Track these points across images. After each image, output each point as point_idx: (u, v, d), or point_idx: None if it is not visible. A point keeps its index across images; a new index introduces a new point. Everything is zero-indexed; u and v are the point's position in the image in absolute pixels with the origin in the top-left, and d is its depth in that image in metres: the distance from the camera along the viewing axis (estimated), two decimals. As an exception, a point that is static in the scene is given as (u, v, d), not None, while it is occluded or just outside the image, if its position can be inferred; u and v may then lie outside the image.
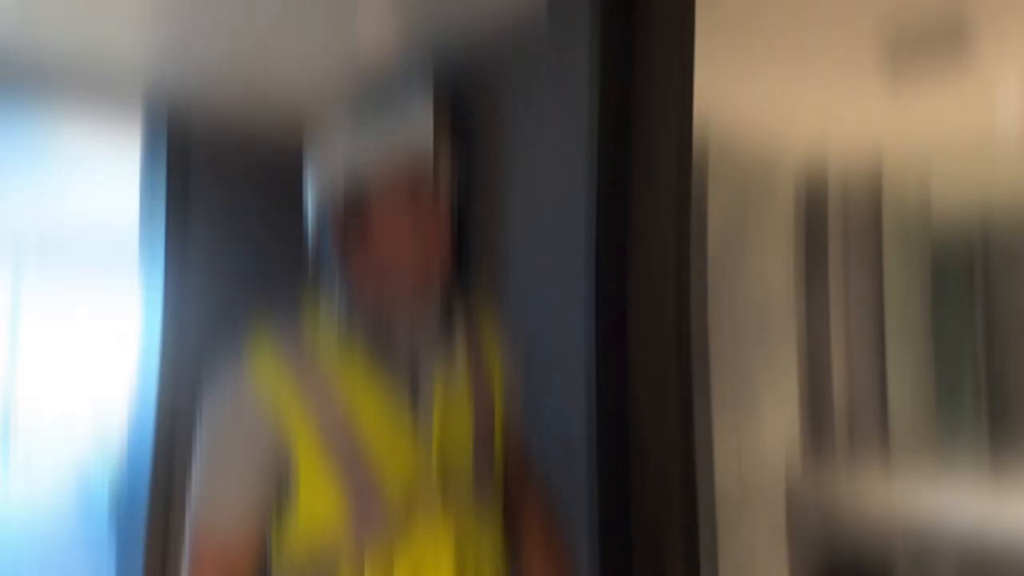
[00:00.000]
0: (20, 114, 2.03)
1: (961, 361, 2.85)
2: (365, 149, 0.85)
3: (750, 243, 2.28)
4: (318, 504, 0.79)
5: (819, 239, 2.70)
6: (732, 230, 2.22)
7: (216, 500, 0.79)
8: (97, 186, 3.58)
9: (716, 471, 2.07)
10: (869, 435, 2.65)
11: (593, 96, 1.18)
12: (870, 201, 2.73)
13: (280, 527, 0.82)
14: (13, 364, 6.23)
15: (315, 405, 0.80)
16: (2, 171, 3.22)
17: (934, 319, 2.84)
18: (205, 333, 2.08)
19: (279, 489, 0.81)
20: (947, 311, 2.87)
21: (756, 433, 2.24)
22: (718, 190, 2.17)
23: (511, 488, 0.99)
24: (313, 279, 2.18)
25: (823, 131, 2.20)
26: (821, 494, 2.27)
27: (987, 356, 2.76)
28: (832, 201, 2.70)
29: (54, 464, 6.02)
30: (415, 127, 0.89)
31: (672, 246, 1.06)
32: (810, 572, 2.52)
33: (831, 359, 2.63)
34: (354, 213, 0.84)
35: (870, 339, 2.70)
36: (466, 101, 1.53)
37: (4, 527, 4.31)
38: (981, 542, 1.86)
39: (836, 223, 2.73)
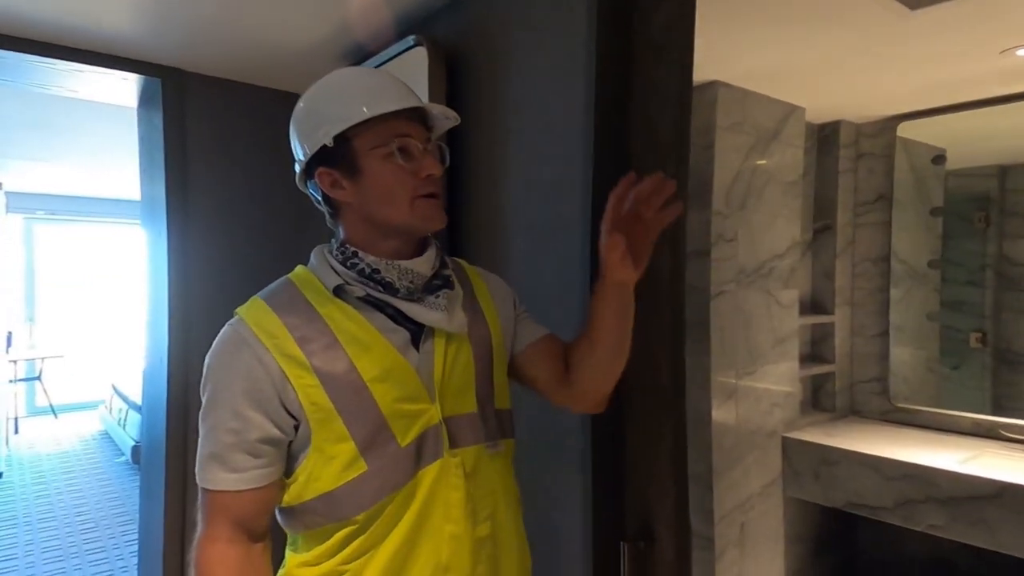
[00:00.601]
0: (19, 73, 2.02)
1: (968, 310, 2.85)
2: (359, 93, 0.85)
3: (758, 194, 2.25)
4: (328, 449, 0.81)
5: (828, 190, 2.66)
6: (740, 182, 2.18)
7: (234, 454, 0.80)
8: (100, 145, 3.57)
9: (713, 424, 2.10)
10: (870, 385, 2.67)
11: (591, 46, 1.15)
12: (882, 149, 2.67)
13: (291, 474, 0.84)
14: (33, 313, 6.37)
15: (318, 355, 0.81)
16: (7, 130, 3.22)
17: (944, 265, 2.81)
18: (209, 282, 2.11)
19: (291, 438, 0.83)
20: (956, 259, 2.84)
21: (755, 384, 2.26)
22: (725, 141, 2.13)
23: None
24: (304, 228, 2.19)
25: (834, 77, 2.12)
26: (816, 443, 2.30)
27: (994, 305, 2.74)
28: (844, 149, 2.64)
29: (82, 408, 6.22)
30: (410, 69, 0.89)
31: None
32: (806, 522, 2.59)
33: (834, 309, 2.63)
34: (347, 157, 0.84)
35: (875, 291, 2.68)
36: (462, 48, 1.49)
37: (35, 467, 4.51)
38: (972, 486, 1.89)
39: (847, 173, 2.67)
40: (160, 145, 2.07)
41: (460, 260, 1.03)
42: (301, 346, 0.80)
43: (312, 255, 0.91)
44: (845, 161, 2.65)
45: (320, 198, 0.90)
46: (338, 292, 0.85)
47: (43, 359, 6.03)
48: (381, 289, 0.85)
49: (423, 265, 0.88)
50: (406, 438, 0.83)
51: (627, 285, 0.88)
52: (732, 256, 2.16)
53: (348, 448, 0.81)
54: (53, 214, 6.33)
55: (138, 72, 2.02)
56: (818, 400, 2.68)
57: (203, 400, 0.83)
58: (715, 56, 1.91)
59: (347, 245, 0.87)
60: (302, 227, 2.26)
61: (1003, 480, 1.84)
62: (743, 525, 2.20)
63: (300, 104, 0.90)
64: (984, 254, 2.85)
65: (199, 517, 0.83)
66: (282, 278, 0.90)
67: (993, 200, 2.82)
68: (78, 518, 3.79)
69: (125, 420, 4.87)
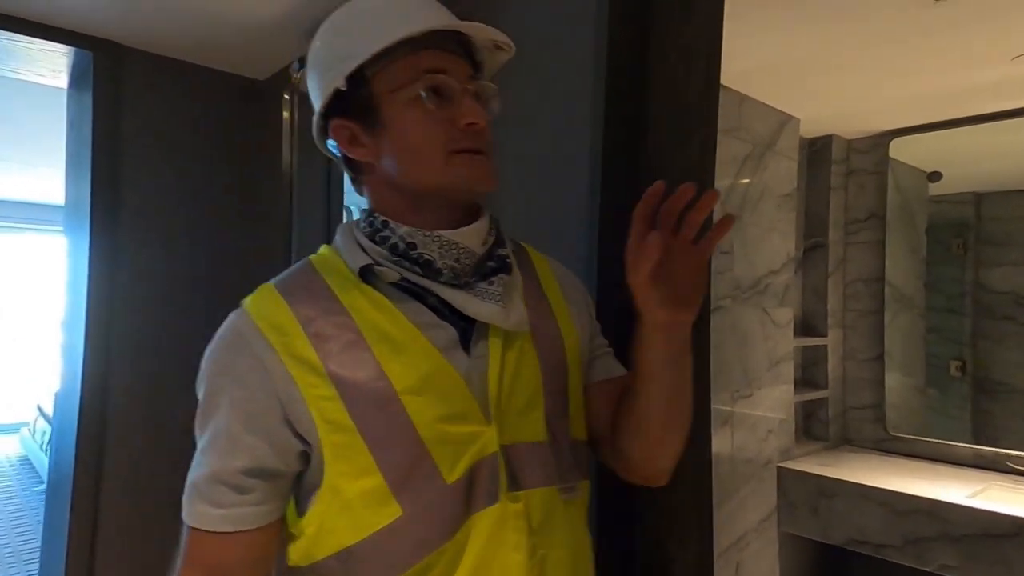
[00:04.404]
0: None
1: (948, 337, 2.77)
2: (377, 18, 0.64)
3: (753, 206, 2.11)
4: (347, 487, 0.59)
5: (819, 207, 2.55)
6: (736, 191, 2.04)
7: (214, 486, 0.60)
8: (25, 136, 3.23)
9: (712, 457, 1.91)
10: (864, 412, 2.53)
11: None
12: (874, 166, 2.58)
13: (297, 517, 0.63)
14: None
15: (336, 358, 0.60)
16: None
17: (926, 291, 2.75)
18: (139, 296, 1.83)
19: (296, 469, 0.62)
20: (936, 285, 2.79)
21: (750, 411, 2.09)
22: (722, 146, 1.98)
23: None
24: (255, 231, 1.93)
25: (834, 78, 2.01)
26: (814, 474, 2.13)
27: (973, 332, 2.68)
28: (835, 165, 2.55)
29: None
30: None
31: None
32: (804, 561, 2.41)
33: (827, 332, 2.49)
34: (365, 104, 0.64)
35: (867, 313, 2.57)
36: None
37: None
38: (970, 518, 1.74)
39: (838, 190, 2.57)
40: (89, 131, 1.80)
41: (523, 243, 0.79)
42: (315, 345, 0.60)
43: (337, 231, 0.71)
44: (836, 177, 2.56)
45: (340, 158, 0.70)
46: (365, 275, 0.64)
47: (-40, 377, 5.47)
48: (419, 271, 0.64)
49: (473, 237, 0.65)
50: (453, 472, 0.60)
51: (671, 329, 0.64)
52: (728, 269, 2.00)
53: (375, 485, 0.59)
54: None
55: (66, 43, 1.75)
56: (810, 428, 2.53)
57: (197, 410, 0.64)
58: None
59: (375, 215, 0.67)
60: (254, 230, 2.00)
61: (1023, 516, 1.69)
62: (738, 565, 2.00)
63: (315, 40, 0.69)
64: (962, 281, 2.80)
65: (178, 556, 0.63)
66: (302, 260, 0.70)
67: (970, 227, 2.78)
68: (-20, 557, 3.34)
69: (48, 445, 4.40)
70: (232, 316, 0.64)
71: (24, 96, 2.45)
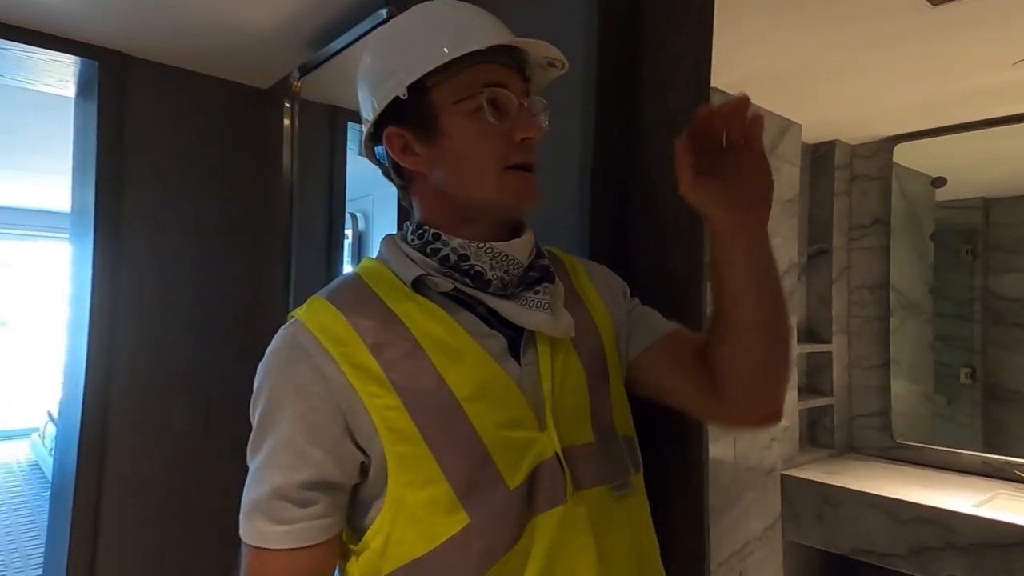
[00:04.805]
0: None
1: (958, 344, 2.74)
2: (439, 30, 0.65)
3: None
4: (413, 497, 0.59)
5: (823, 213, 2.54)
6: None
7: (276, 502, 0.59)
8: (38, 145, 3.28)
9: (710, 460, 1.90)
10: (870, 420, 2.51)
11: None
12: (878, 171, 2.56)
13: (361, 538, 0.62)
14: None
15: (397, 367, 0.60)
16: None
17: (934, 297, 2.72)
18: (143, 306, 1.84)
19: (354, 481, 0.62)
20: (945, 292, 2.76)
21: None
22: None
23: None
24: (260, 244, 1.95)
25: (835, 84, 2.00)
26: (818, 481, 2.11)
27: (983, 339, 2.64)
28: (838, 171, 2.53)
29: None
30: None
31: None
32: (808, 570, 2.38)
33: (832, 338, 2.47)
34: (423, 113, 0.65)
35: (872, 319, 2.54)
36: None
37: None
38: (977, 528, 1.71)
39: (841, 196, 2.56)
40: (93, 140, 1.82)
41: (553, 248, 0.80)
42: (375, 355, 0.60)
43: (382, 244, 0.72)
44: (840, 183, 2.54)
45: (389, 166, 0.70)
46: (417, 287, 0.65)
47: (-28, 383, 5.54)
48: (469, 282, 0.65)
49: (521, 249, 0.67)
50: (516, 478, 0.61)
51: (748, 231, 0.63)
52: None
53: (442, 493, 0.59)
54: (-1, 227, 5.92)
55: (72, 52, 1.77)
56: (815, 435, 2.50)
57: (253, 423, 0.63)
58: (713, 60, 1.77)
59: (426, 227, 0.67)
60: (256, 236, 2.02)
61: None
62: (741, 573, 1.98)
63: (366, 55, 0.70)
64: (972, 287, 2.77)
65: None
66: (346, 273, 0.71)
67: (979, 233, 2.75)
68: (-12, 560, 3.37)
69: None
70: (286, 329, 0.64)
71: (34, 106, 2.49)
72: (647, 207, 0.96)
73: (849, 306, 2.57)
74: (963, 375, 2.71)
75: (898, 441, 2.40)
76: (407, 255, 0.67)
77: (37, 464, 5.10)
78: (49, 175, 4.09)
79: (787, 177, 2.25)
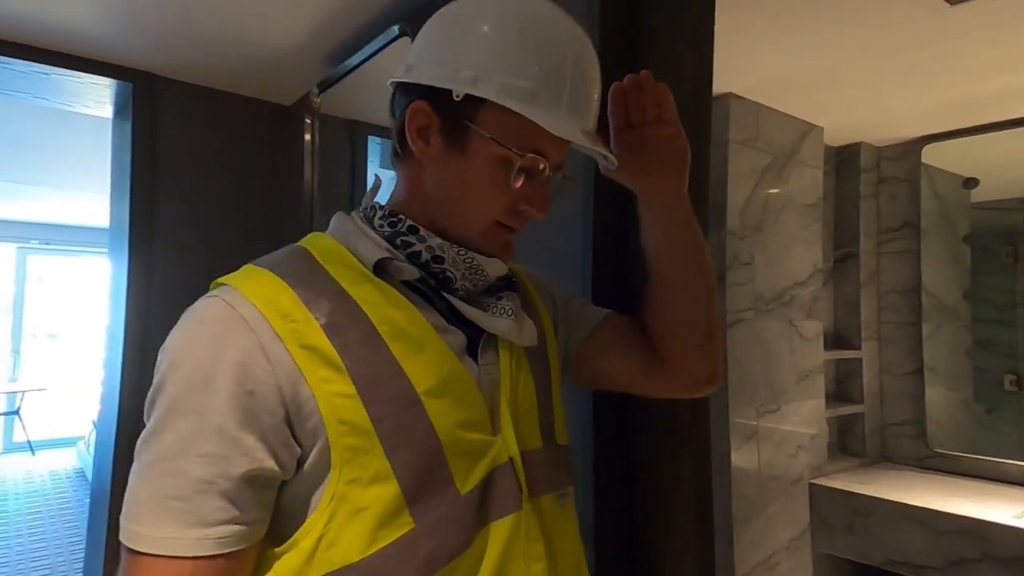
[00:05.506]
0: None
1: (999, 350, 2.64)
2: (538, 67, 0.59)
3: (775, 216, 2.07)
4: (357, 496, 0.52)
5: (849, 216, 2.48)
6: (755, 201, 2.01)
7: (200, 498, 0.50)
8: (81, 165, 3.44)
9: (732, 469, 1.87)
10: (904, 428, 2.43)
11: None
12: (906, 174, 2.50)
13: (286, 538, 0.54)
14: (19, 345, 6.19)
15: (354, 351, 0.54)
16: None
17: (973, 302, 2.62)
18: (174, 318, 1.92)
19: (289, 475, 0.54)
20: (985, 296, 2.66)
21: (777, 425, 2.03)
22: (738, 156, 1.96)
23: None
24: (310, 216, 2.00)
25: (856, 89, 1.97)
26: (847, 491, 2.05)
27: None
28: (864, 174, 2.48)
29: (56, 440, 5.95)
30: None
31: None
32: (837, 572, 2.31)
33: (861, 345, 2.41)
34: (461, 119, 0.59)
35: (904, 325, 2.47)
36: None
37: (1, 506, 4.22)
38: (1017, 539, 1.64)
39: (868, 199, 2.50)
40: (129, 157, 1.91)
41: None
42: (330, 335, 0.53)
43: (335, 220, 0.66)
44: (866, 186, 2.49)
45: (396, 129, 0.64)
46: (379, 270, 0.60)
47: (23, 393, 5.79)
48: (433, 283, 0.62)
49: (496, 269, 0.65)
50: (467, 482, 0.57)
51: (665, 192, 0.71)
52: (749, 280, 1.97)
53: (388, 493, 0.53)
54: (48, 244, 6.20)
55: (108, 76, 1.87)
56: (846, 444, 2.43)
57: (150, 413, 0.53)
58: (727, 66, 1.76)
59: (401, 217, 0.63)
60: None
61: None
62: (768, 586, 1.94)
63: (469, 9, 0.62)
64: (1013, 291, 2.67)
65: None
66: (289, 246, 0.63)
67: (1019, 234, 2.65)
68: (33, 564, 3.50)
69: (99, 459, 4.60)
70: (215, 298, 0.55)
71: (75, 127, 2.63)
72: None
73: (879, 311, 2.50)
74: (1007, 382, 2.60)
75: (935, 450, 2.32)
76: (369, 237, 0.62)
77: (83, 471, 5.29)
78: (88, 192, 4.29)
79: (809, 181, 2.21)
